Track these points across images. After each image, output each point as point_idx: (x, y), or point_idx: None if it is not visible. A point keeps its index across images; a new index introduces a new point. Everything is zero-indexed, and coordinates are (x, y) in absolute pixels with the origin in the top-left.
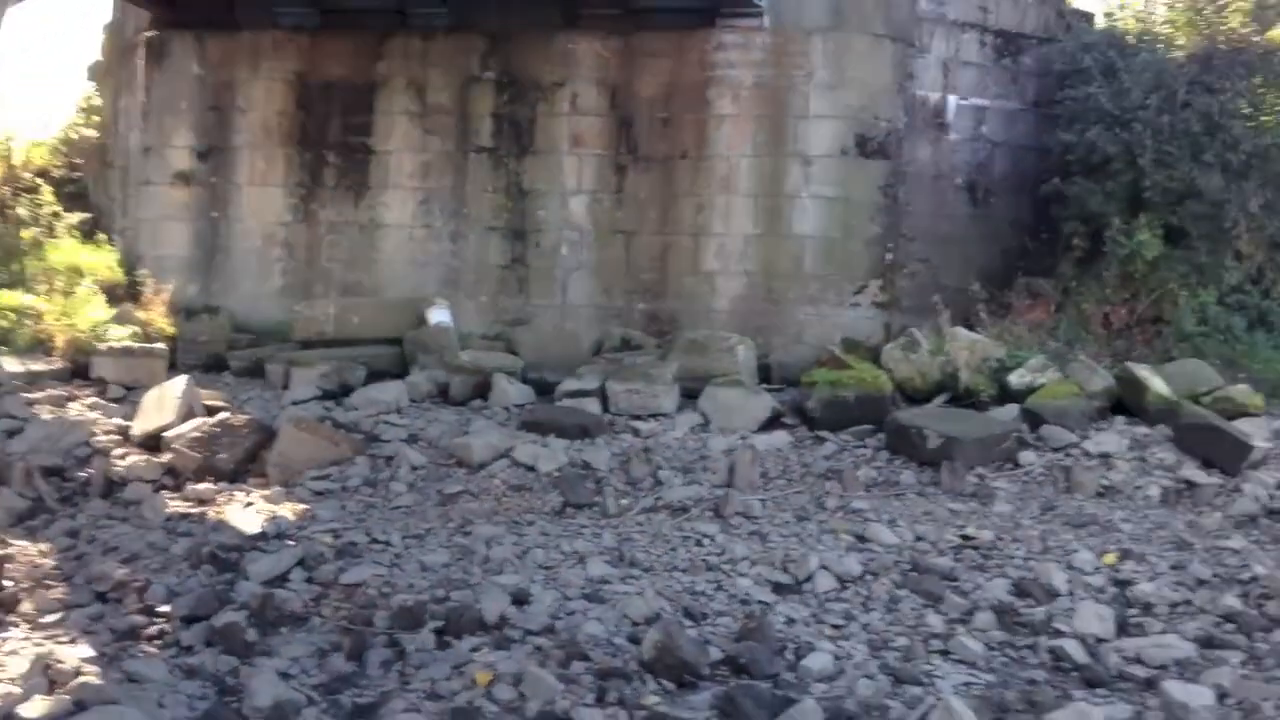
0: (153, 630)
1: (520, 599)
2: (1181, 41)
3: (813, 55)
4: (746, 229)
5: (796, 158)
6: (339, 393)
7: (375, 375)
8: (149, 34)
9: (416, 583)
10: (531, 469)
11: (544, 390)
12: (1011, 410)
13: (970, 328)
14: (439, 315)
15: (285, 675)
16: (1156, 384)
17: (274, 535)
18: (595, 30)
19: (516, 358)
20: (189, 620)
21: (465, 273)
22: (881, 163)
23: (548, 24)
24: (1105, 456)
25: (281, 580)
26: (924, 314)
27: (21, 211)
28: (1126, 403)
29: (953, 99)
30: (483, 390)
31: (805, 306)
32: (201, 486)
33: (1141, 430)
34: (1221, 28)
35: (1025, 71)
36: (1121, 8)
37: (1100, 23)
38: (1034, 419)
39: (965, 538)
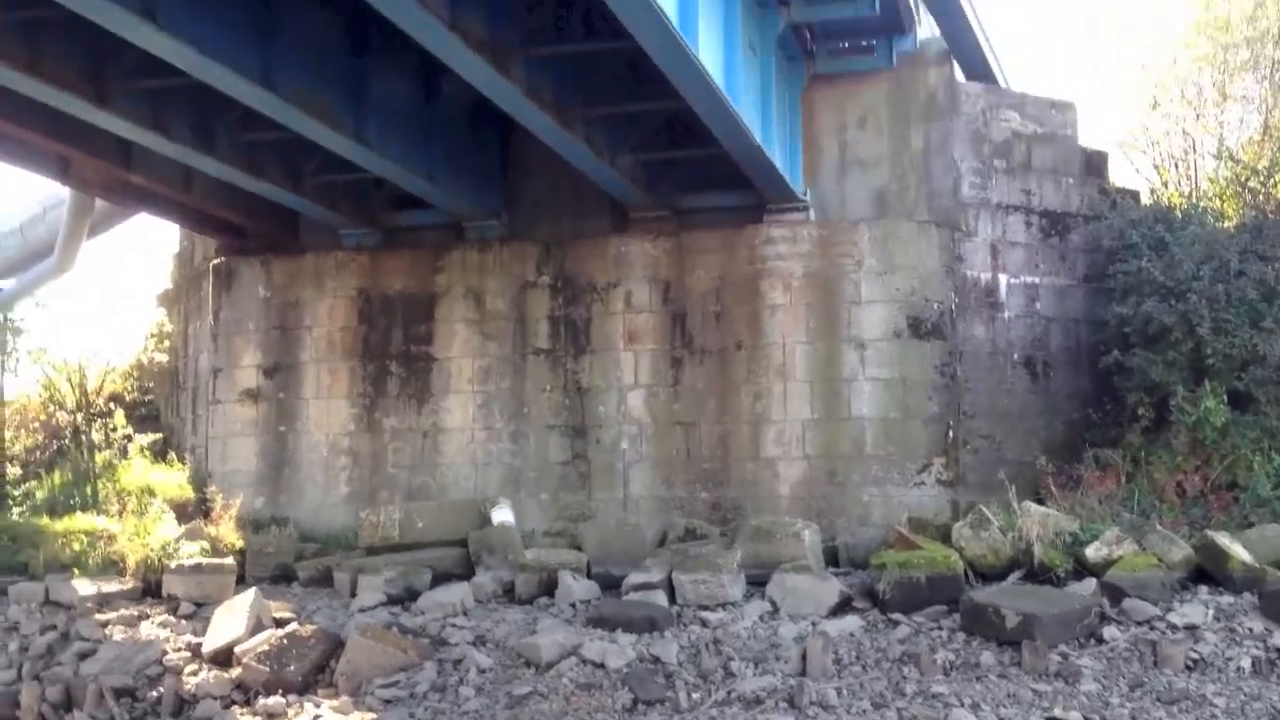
0: None
1: None
2: (1229, 213)
3: (860, 244)
4: (804, 414)
5: (851, 342)
6: (405, 597)
7: (441, 577)
8: (216, 261)
9: None
10: (600, 666)
11: (610, 585)
12: (1089, 585)
13: (1040, 502)
14: (502, 514)
15: None
16: (1238, 551)
17: None
18: (646, 232)
19: (581, 553)
20: None
21: (527, 471)
22: (936, 343)
23: (599, 229)
24: (1191, 628)
25: None
26: (990, 490)
27: (96, 436)
28: (1208, 571)
29: (1004, 278)
30: (548, 587)
31: (869, 488)
32: (271, 700)
33: (1226, 599)
34: (1270, 197)
35: (1073, 248)
36: (1164, 184)
37: (1145, 199)
38: (1114, 593)
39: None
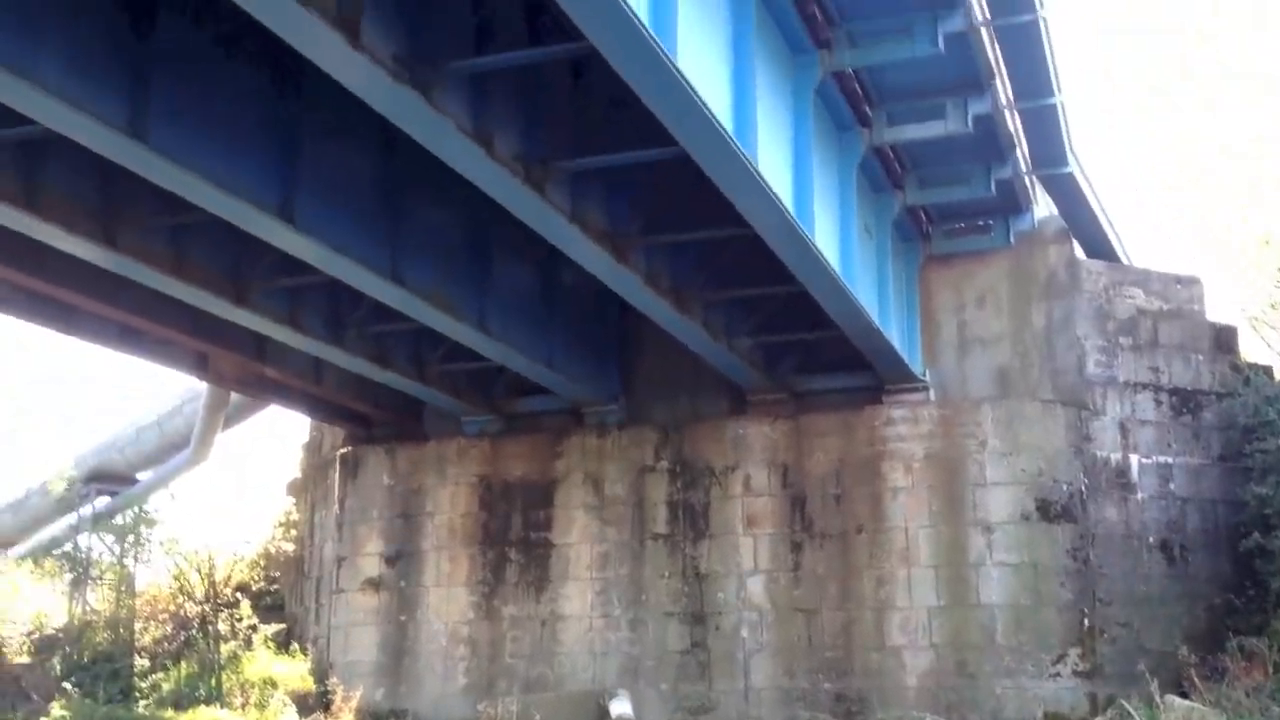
0: None
1: None
2: None
3: (983, 424)
4: (930, 601)
5: (977, 526)
6: None
7: None
8: (343, 450)
9: None
10: None
11: None
12: None
13: (1183, 695)
14: (620, 707)
15: None
16: None
17: None
18: (764, 414)
19: None
20: None
21: (645, 660)
22: (1066, 526)
23: (717, 412)
24: None
25: None
26: (1130, 682)
27: (222, 627)
28: None
29: (1135, 458)
30: None
31: (1001, 679)
32: None
33: None
34: None
35: (1207, 426)
36: None
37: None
38: None
39: None
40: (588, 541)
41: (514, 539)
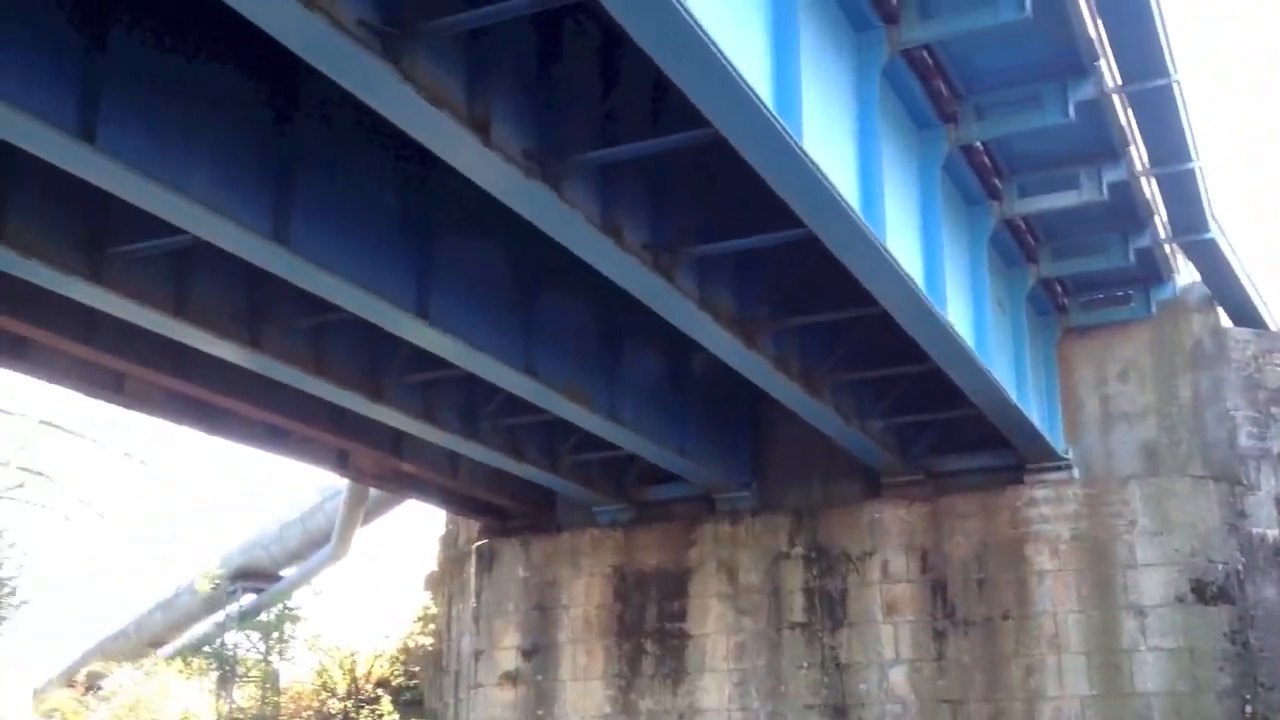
0: None
1: None
2: None
3: (1131, 503)
4: (1083, 689)
5: (1129, 609)
6: None
7: None
8: (479, 543)
9: None
10: None
11: None
12: None
13: None
14: None
15: None
16: None
17: None
18: (899, 497)
19: None
20: None
21: None
22: (1224, 607)
23: (851, 496)
24: None
25: None
26: None
27: None
28: None
29: None
30: None
31: None
32: None
33: None
34: None
35: None
36: None
37: None
38: None
39: None
40: (724, 631)
41: (649, 630)
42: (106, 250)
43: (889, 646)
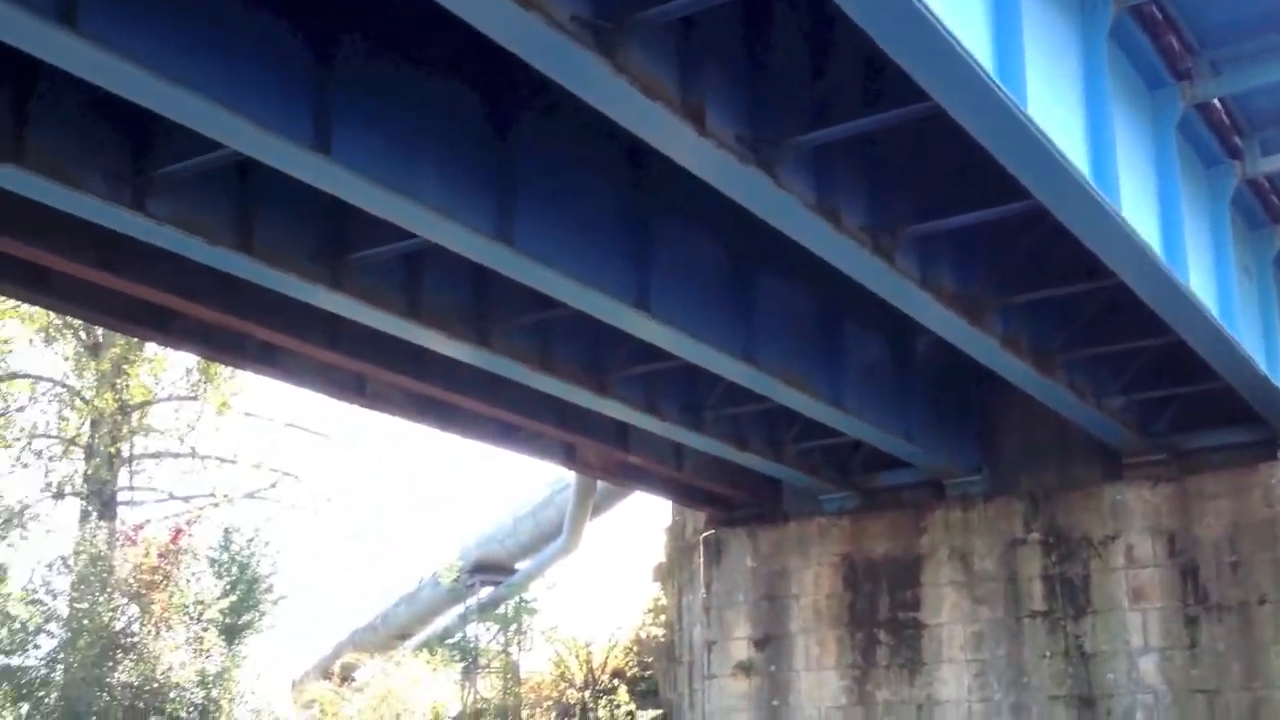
0: None
1: None
2: None
3: None
4: None
5: None
6: None
7: None
8: (706, 533)
9: None
10: None
11: None
12: None
13: None
14: None
15: None
16: None
17: None
18: (1142, 478)
19: None
20: None
21: None
22: None
23: (1089, 478)
24: None
25: None
26: None
27: (601, 714)
28: None
29: None
30: None
31: None
32: None
33: None
34: None
35: None
36: None
37: None
38: None
39: None
40: (959, 621)
41: (881, 619)
42: (344, 257)
43: (1137, 634)
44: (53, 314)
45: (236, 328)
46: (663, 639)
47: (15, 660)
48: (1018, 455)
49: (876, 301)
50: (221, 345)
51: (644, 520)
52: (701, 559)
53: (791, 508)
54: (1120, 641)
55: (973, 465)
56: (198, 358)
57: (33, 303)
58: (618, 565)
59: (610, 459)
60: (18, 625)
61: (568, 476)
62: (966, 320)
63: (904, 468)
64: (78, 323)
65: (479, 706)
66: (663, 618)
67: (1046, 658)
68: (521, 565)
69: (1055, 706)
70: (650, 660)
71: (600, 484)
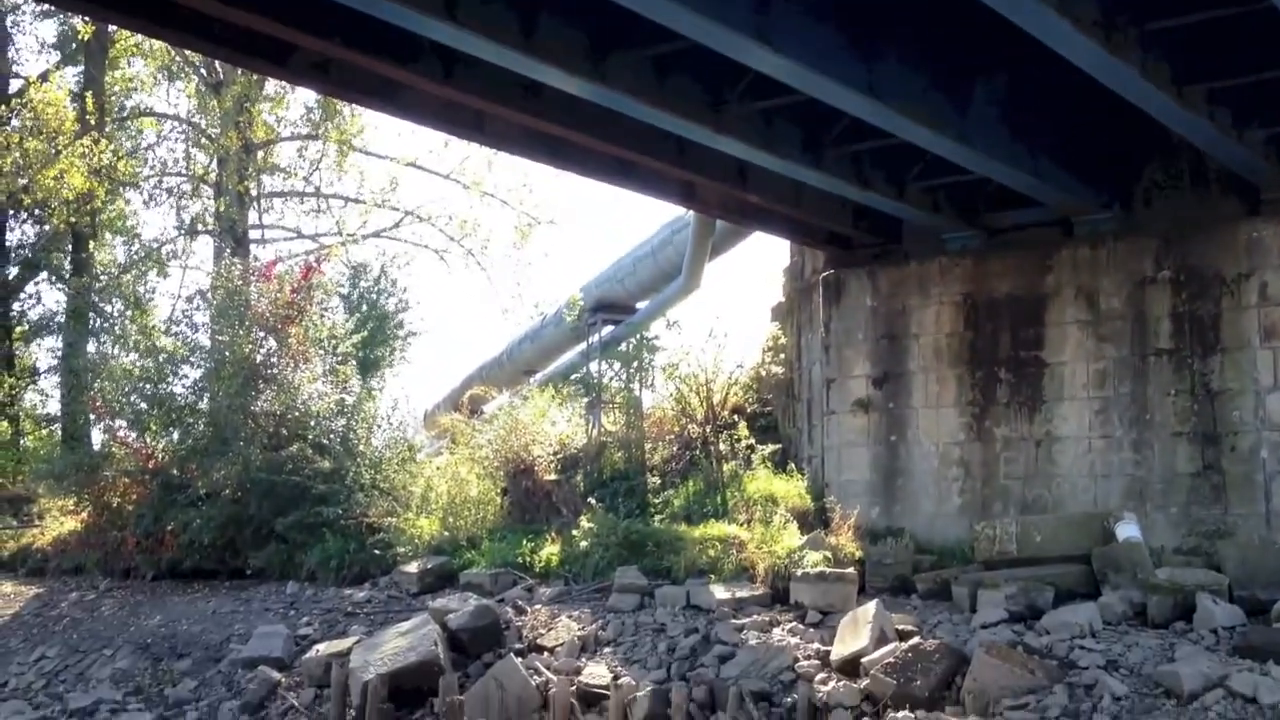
0: None
1: None
2: None
3: None
4: None
5: None
6: (1026, 615)
7: (1063, 595)
8: (825, 273)
9: None
10: (1252, 701)
11: (1256, 610)
12: None
13: None
14: (1128, 530)
15: None
16: None
17: None
18: None
19: (1219, 575)
20: None
21: (1151, 483)
22: None
23: (1226, 215)
24: None
25: None
26: None
27: (722, 447)
28: None
29: None
30: (1184, 611)
31: None
32: (900, 715)
33: None
34: None
35: None
36: None
37: None
38: None
39: None
40: (1082, 359)
41: (1002, 358)
42: None
43: (1266, 373)
44: (173, 51)
45: (355, 62)
46: (782, 377)
47: (164, 389)
48: (1150, 192)
49: (1007, 30)
50: (340, 80)
51: (763, 260)
52: (820, 298)
53: (912, 247)
54: (1248, 380)
55: (1103, 203)
56: (317, 96)
57: (155, 36)
58: (737, 305)
59: (729, 198)
60: (164, 356)
61: (687, 216)
62: (1105, 48)
63: (1031, 206)
64: (198, 60)
65: (603, 439)
66: (782, 356)
67: (1171, 395)
68: (641, 305)
69: (1178, 443)
70: (769, 397)
71: (719, 224)
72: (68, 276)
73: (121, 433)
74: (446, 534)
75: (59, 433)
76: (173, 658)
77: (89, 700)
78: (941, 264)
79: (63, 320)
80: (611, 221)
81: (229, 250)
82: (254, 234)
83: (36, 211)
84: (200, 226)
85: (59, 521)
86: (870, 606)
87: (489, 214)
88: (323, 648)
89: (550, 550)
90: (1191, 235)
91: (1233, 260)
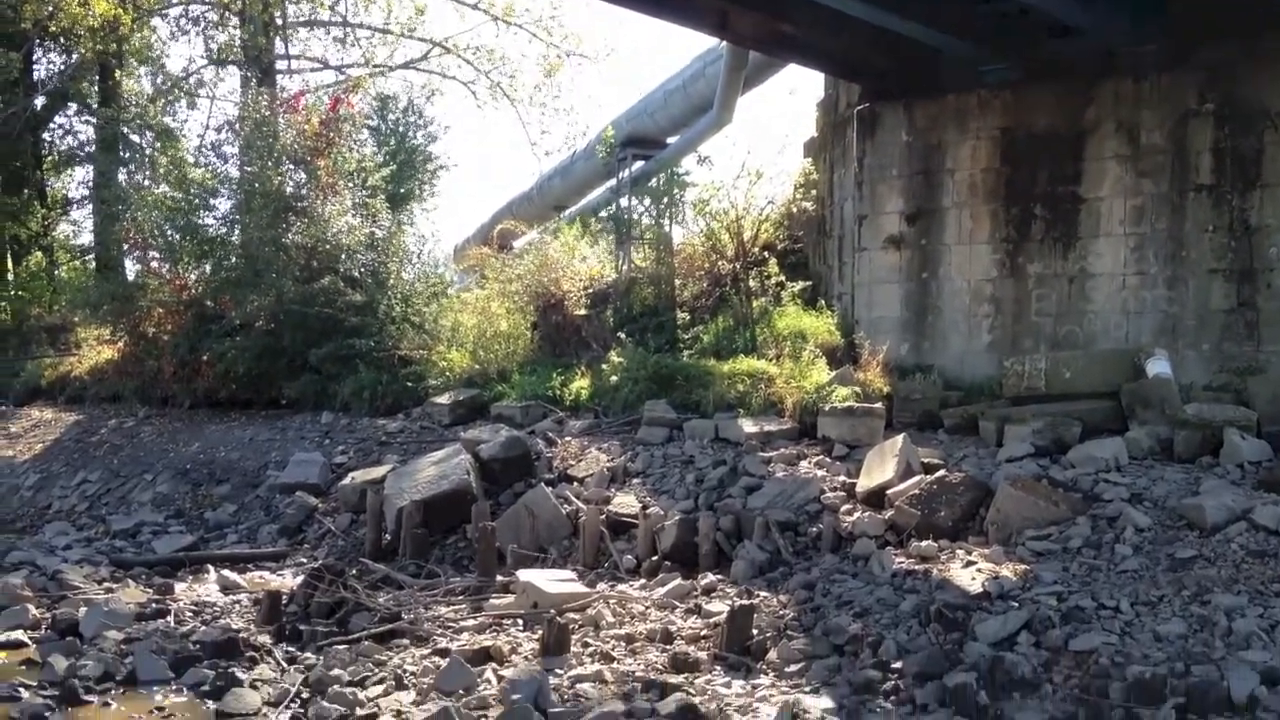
0: (888, 686)
1: (1272, 679)
2: None
3: None
4: None
5: None
6: (1053, 449)
7: (1090, 431)
8: (860, 107)
9: (1152, 654)
10: (1275, 533)
11: None
12: None
13: None
14: (1158, 366)
15: None
16: None
17: (997, 596)
18: None
19: (1248, 410)
20: (921, 678)
21: (1184, 320)
22: None
23: (1273, 49)
24: None
25: (1009, 643)
26: None
27: (752, 283)
28: None
29: None
30: (1211, 446)
31: None
32: (924, 544)
33: None
34: None
35: None
36: None
37: None
38: None
39: None
40: (1120, 195)
41: (1038, 194)
42: None
43: None
44: None
45: None
46: (813, 213)
47: (195, 220)
48: (1197, 23)
49: None
50: None
51: (796, 93)
52: (855, 133)
53: (949, 80)
54: None
55: (1148, 34)
56: None
57: None
58: (769, 141)
59: (763, 28)
60: (194, 188)
61: (720, 48)
62: None
63: (1072, 37)
64: None
65: (633, 275)
66: (814, 193)
67: (1209, 232)
68: (672, 140)
69: (1213, 280)
70: (800, 234)
71: (752, 56)
72: (95, 107)
73: (155, 263)
74: (477, 367)
75: (93, 263)
76: (211, 483)
77: (131, 523)
78: (980, 97)
79: (92, 150)
80: (640, 62)
81: (255, 80)
82: (280, 65)
83: (63, 40)
84: (227, 56)
85: (96, 350)
86: (897, 440)
87: (517, 45)
88: (358, 475)
89: (580, 384)
90: (1238, 68)
91: (1278, 95)
